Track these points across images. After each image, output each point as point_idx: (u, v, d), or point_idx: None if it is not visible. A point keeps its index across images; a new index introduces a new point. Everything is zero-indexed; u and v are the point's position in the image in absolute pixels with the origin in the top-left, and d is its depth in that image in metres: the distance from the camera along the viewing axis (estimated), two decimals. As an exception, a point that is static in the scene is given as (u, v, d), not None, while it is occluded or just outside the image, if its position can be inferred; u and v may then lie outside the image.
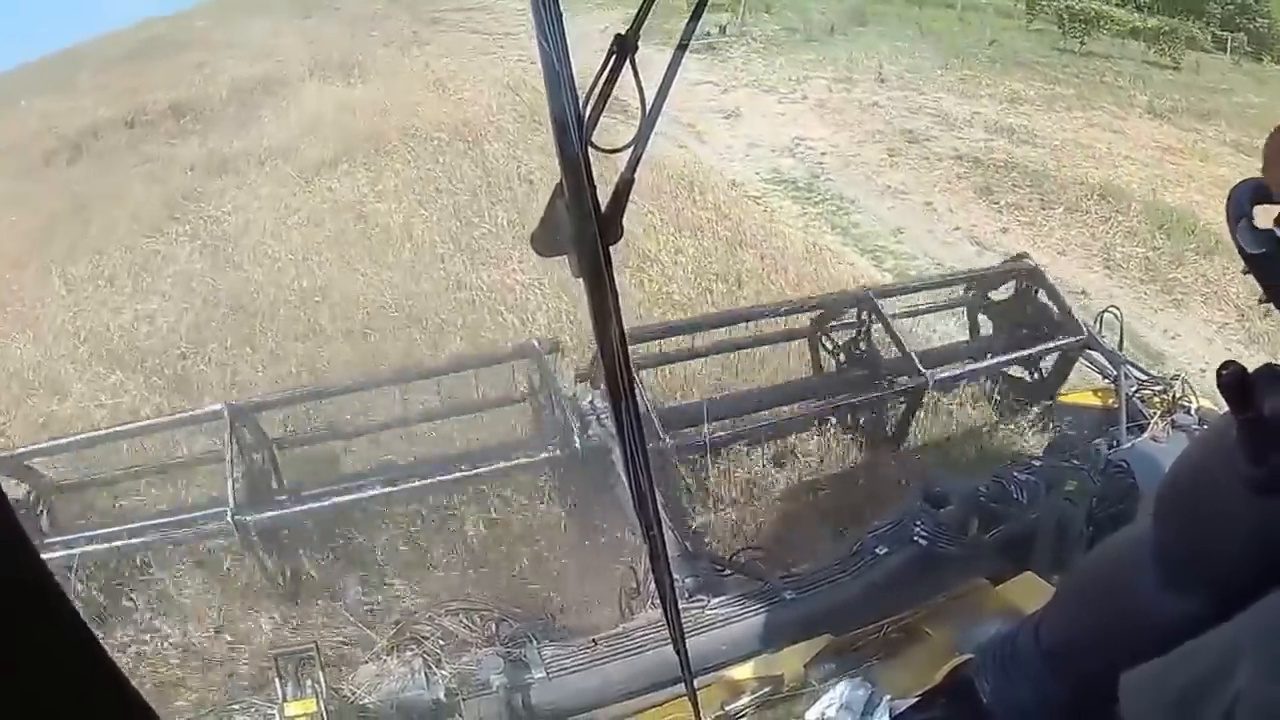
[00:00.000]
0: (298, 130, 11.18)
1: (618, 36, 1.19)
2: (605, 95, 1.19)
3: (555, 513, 3.99)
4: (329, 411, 4.28)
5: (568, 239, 1.16)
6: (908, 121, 11.82)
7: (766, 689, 2.27)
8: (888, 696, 1.94)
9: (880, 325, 4.45)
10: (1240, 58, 18.85)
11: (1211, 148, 11.48)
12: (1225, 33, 19.50)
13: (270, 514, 3.52)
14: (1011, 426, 4.84)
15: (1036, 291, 4.72)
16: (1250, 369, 1.02)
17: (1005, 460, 4.16)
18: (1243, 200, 1.15)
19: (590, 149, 1.13)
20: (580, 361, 4.19)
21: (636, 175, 1.23)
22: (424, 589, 3.67)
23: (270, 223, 8.51)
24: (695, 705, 1.68)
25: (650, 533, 1.43)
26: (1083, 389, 4.47)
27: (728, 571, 3.15)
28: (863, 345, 4.58)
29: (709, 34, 15.41)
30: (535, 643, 2.67)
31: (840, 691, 2.00)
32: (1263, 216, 1.14)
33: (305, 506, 3.64)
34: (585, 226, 1.10)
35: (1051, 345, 4.61)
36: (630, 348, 1.28)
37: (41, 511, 3.79)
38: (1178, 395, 3.92)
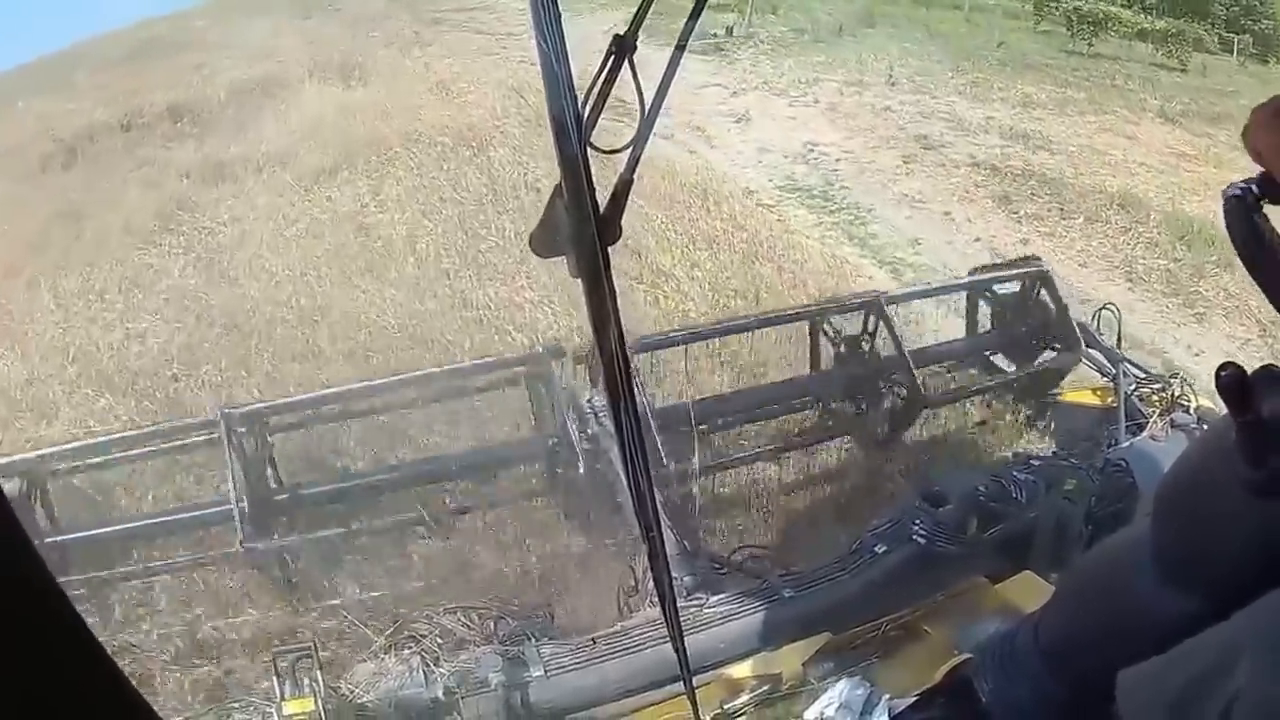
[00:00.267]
0: (297, 135, 11.04)
1: (616, 37, 1.19)
2: (604, 95, 1.19)
3: (554, 512, 3.98)
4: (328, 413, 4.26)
5: (566, 239, 1.16)
6: (921, 126, 11.70)
7: (765, 687, 2.28)
8: (886, 696, 1.95)
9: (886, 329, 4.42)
10: (1245, 59, 18.85)
11: (1224, 153, 11.36)
12: (1231, 34, 19.51)
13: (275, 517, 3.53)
14: (1011, 425, 4.84)
15: (1040, 292, 4.71)
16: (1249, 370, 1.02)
17: (1004, 459, 4.17)
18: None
19: (589, 149, 1.13)
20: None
21: (636, 175, 1.24)
22: (423, 587, 3.67)
23: (267, 234, 8.33)
24: (694, 703, 1.68)
25: (649, 532, 1.43)
26: (1081, 388, 4.48)
27: (726, 570, 3.15)
28: (865, 345, 4.57)
29: (715, 35, 15.33)
30: (534, 641, 2.67)
31: (839, 691, 2.00)
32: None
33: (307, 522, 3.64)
34: (584, 227, 1.10)
35: (1051, 345, 4.61)
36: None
37: (40, 510, 3.79)
38: (1176, 394, 3.92)
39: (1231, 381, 1.00)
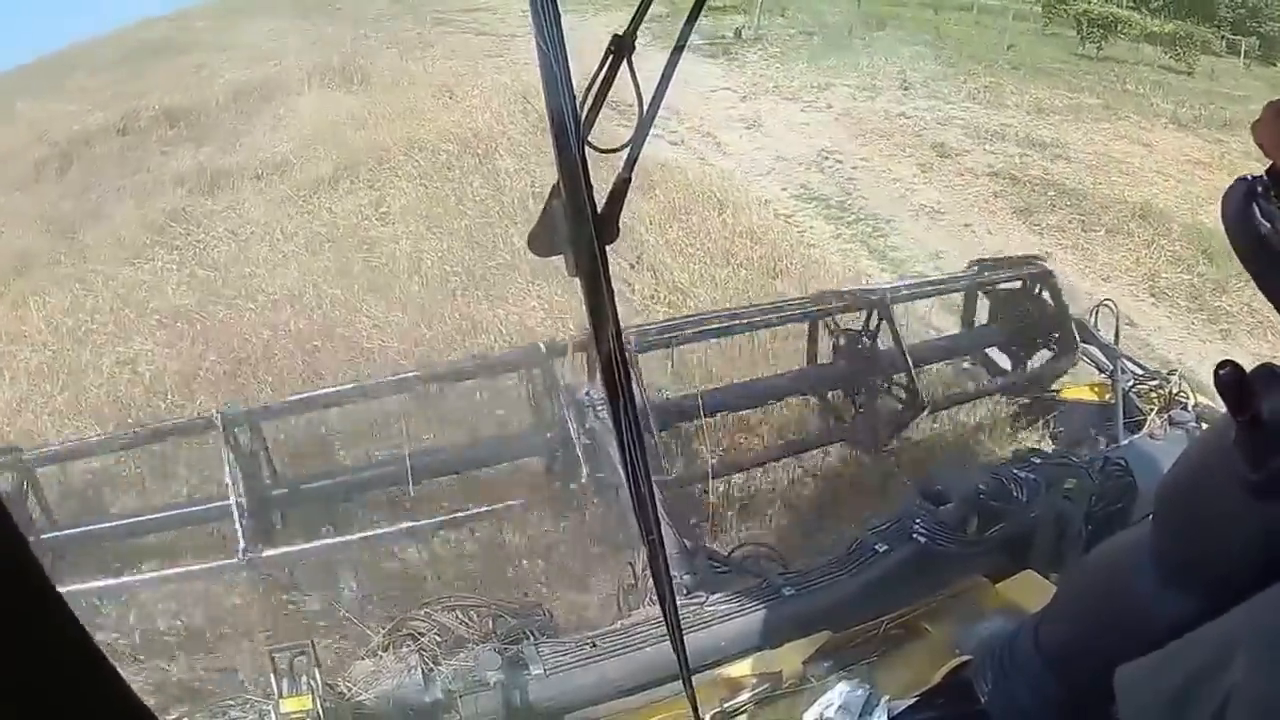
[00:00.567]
0: (296, 141, 10.71)
1: (615, 37, 1.19)
2: (603, 95, 1.19)
3: (553, 512, 3.98)
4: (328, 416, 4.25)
5: (564, 239, 1.16)
6: (937, 134, 11.57)
7: (765, 686, 2.27)
8: (886, 697, 1.94)
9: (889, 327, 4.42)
10: (1251, 62, 18.86)
11: (1237, 160, 11.24)
12: (1237, 37, 19.51)
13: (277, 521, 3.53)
14: (1010, 423, 4.84)
15: (1041, 290, 4.70)
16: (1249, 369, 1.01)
17: (1005, 457, 4.16)
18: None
19: (588, 149, 1.13)
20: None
21: (634, 175, 1.24)
22: (421, 586, 3.67)
23: (265, 251, 7.96)
24: (693, 702, 1.68)
25: (648, 530, 1.43)
26: (1080, 384, 4.47)
27: (726, 568, 3.15)
28: (866, 341, 4.57)
29: (724, 38, 15.20)
30: (533, 639, 2.66)
31: (839, 692, 1.99)
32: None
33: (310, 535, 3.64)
34: (582, 226, 1.10)
35: (1051, 345, 4.61)
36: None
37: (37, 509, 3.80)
38: (1175, 391, 3.92)
39: (1230, 379, 1.00)
